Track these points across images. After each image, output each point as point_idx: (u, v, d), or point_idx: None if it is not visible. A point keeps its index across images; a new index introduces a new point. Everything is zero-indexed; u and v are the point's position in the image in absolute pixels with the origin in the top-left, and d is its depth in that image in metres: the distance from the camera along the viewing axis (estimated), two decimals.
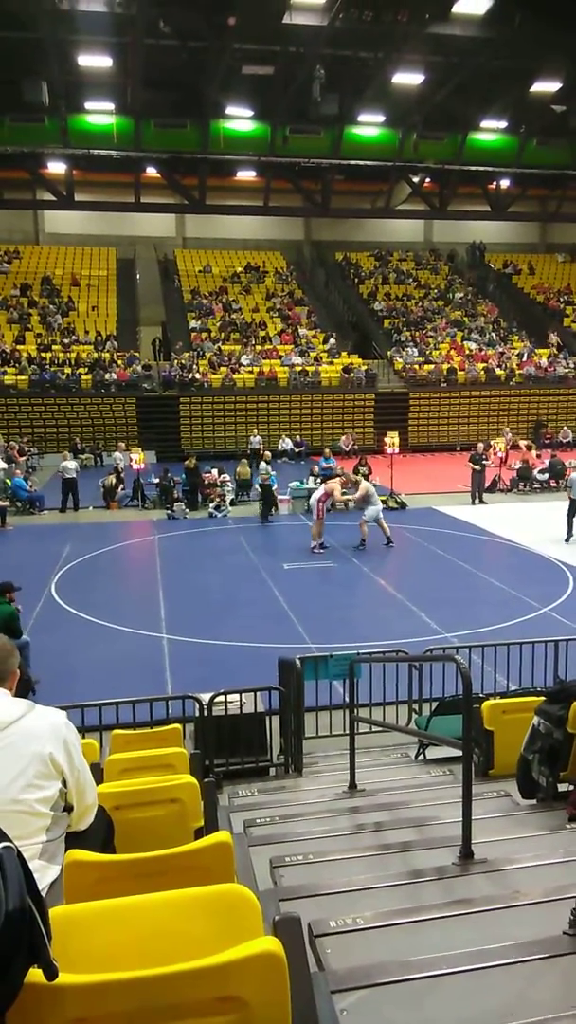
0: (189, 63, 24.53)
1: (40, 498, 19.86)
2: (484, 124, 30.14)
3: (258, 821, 4.22)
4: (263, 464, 19.06)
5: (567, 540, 15.68)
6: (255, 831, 4.03)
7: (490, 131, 30.84)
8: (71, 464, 19.78)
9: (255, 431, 26.70)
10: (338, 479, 16.25)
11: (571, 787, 3.99)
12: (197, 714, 6.52)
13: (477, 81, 26.10)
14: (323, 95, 24.75)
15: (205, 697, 6.48)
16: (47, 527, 18.11)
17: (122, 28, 22.57)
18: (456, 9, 21.77)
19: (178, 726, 5.27)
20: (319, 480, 19.46)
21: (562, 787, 4.08)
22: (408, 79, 25.86)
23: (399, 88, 26.37)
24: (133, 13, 21.23)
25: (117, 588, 13.49)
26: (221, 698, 6.54)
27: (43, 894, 2.12)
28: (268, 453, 19.53)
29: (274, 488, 18.54)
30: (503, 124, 30.53)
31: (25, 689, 7.17)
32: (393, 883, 2.96)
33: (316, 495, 15.37)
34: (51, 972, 1.48)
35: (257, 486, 18.93)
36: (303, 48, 23.75)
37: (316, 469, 21.17)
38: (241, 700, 6.77)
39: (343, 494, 15.95)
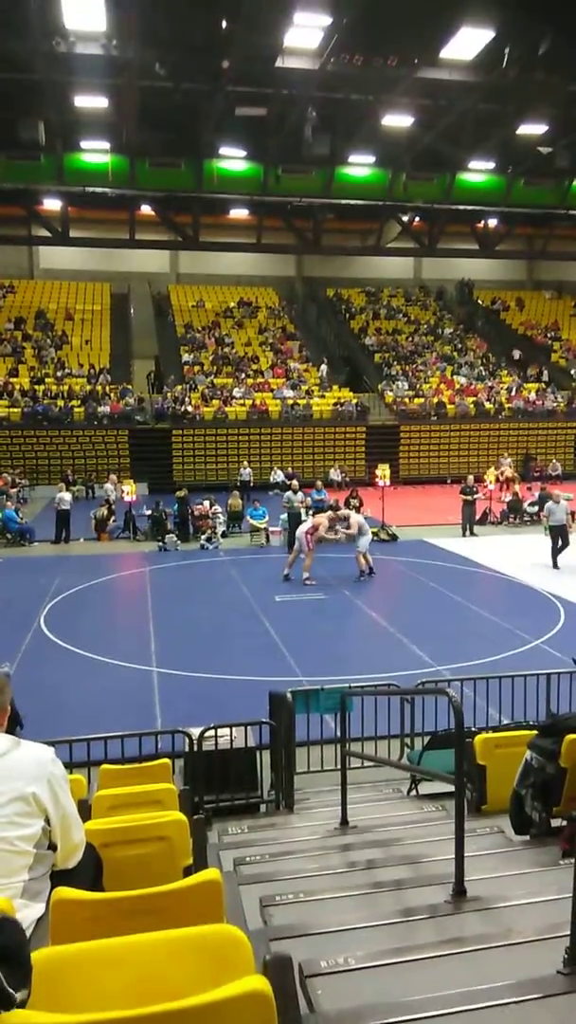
0: (183, 104, 25.06)
1: (30, 530, 19.80)
2: (472, 165, 30.82)
3: (248, 859, 4.16)
4: (288, 494, 19.13)
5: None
6: (245, 869, 3.97)
7: (478, 172, 31.53)
8: (66, 496, 19.77)
9: (245, 463, 26.80)
10: (326, 515, 16.28)
11: (564, 822, 3.95)
12: (187, 749, 6.45)
13: (465, 124, 26.74)
14: (315, 136, 25.30)
15: (195, 731, 6.42)
16: (37, 559, 18.03)
17: (118, 70, 23.07)
18: (444, 54, 22.37)
19: (167, 761, 5.20)
20: (311, 512, 19.54)
21: (555, 822, 4.04)
22: (398, 121, 26.47)
23: (389, 130, 26.99)
24: (128, 56, 21.72)
25: (107, 621, 13.41)
26: (211, 732, 6.48)
27: (27, 933, 2.09)
28: (295, 482, 19.76)
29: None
30: (491, 165, 31.23)
31: (13, 724, 7.05)
32: (385, 922, 2.92)
33: (303, 528, 15.40)
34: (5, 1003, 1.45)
35: (284, 517, 19.06)
36: (295, 90, 24.32)
37: (308, 501, 21.23)
38: (232, 735, 6.71)
39: (335, 530, 15.99)
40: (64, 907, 2.23)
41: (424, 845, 4.25)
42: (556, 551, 16.29)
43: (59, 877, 2.53)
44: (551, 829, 4.03)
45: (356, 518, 15.76)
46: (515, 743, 4.65)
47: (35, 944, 2.17)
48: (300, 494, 19.21)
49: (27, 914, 2.36)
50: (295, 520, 18.53)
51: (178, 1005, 1.46)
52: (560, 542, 16.26)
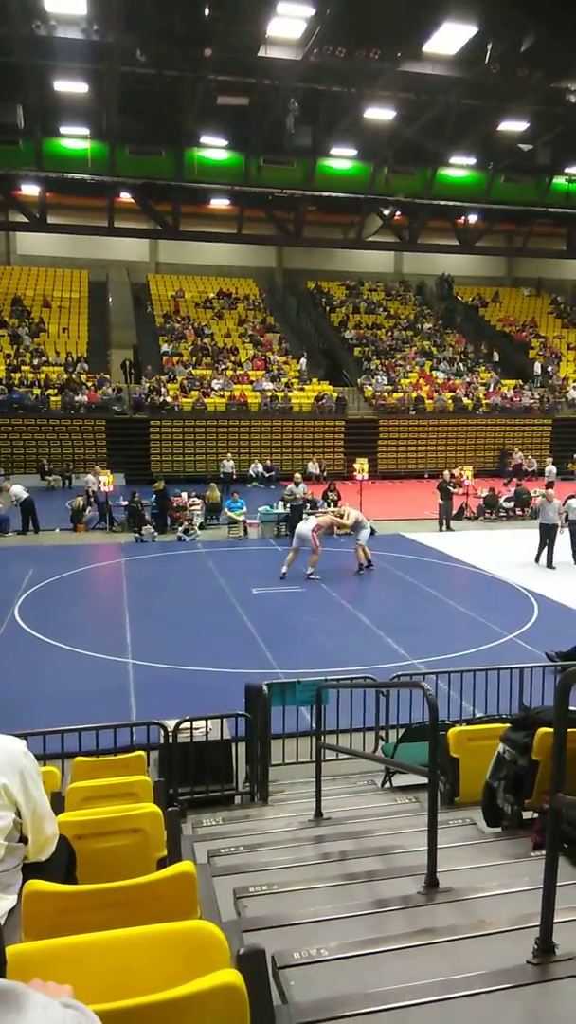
0: (165, 92, 24.83)
1: (5, 520, 19.59)
2: (453, 160, 30.89)
3: (222, 851, 4.16)
4: (291, 487, 19.29)
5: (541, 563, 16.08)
6: (219, 861, 3.97)
7: (459, 167, 31.62)
8: (17, 488, 19.57)
9: (229, 455, 26.79)
10: (328, 516, 16.35)
11: (535, 815, 4.00)
12: (162, 741, 6.43)
13: (447, 119, 26.79)
14: (297, 127, 25.19)
15: (170, 724, 6.40)
16: (11, 549, 17.86)
17: (99, 56, 22.80)
18: (427, 48, 22.37)
19: (142, 753, 5.19)
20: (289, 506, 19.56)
21: (527, 815, 4.08)
22: (380, 114, 26.44)
23: (371, 123, 26.95)
24: (110, 41, 21.46)
25: (82, 612, 13.31)
26: (186, 724, 6.46)
27: (1, 923, 2.07)
28: (298, 476, 19.88)
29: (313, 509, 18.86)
30: (472, 161, 31.32)
31: None
32: (358, 913, 2.94)
33: (308, 527, 15.11)
34: None
35: (287, 508, 19.19)
36: (278, 81, 24.19)
37: (308, 493, 21.19)
38: (207, 727, 6.70)
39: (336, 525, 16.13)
40: (36, 899, 2.21)
41: (397, 837, 4.28)
42: (541, 549, 16.11)
43: (31, 869, 2.52)
44: (523, 821, 4.08)
45: (354, 513, 15.79)
46: (488, 736, 4.69)
47: (6, 936, 2.15)
48: (302, 486, 19.24)
49: None
50: (297, 513, 18.54)
51: (150, 999, 1.45)
52: (547, 541, 15.96)
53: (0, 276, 35.49)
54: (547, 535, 16.00)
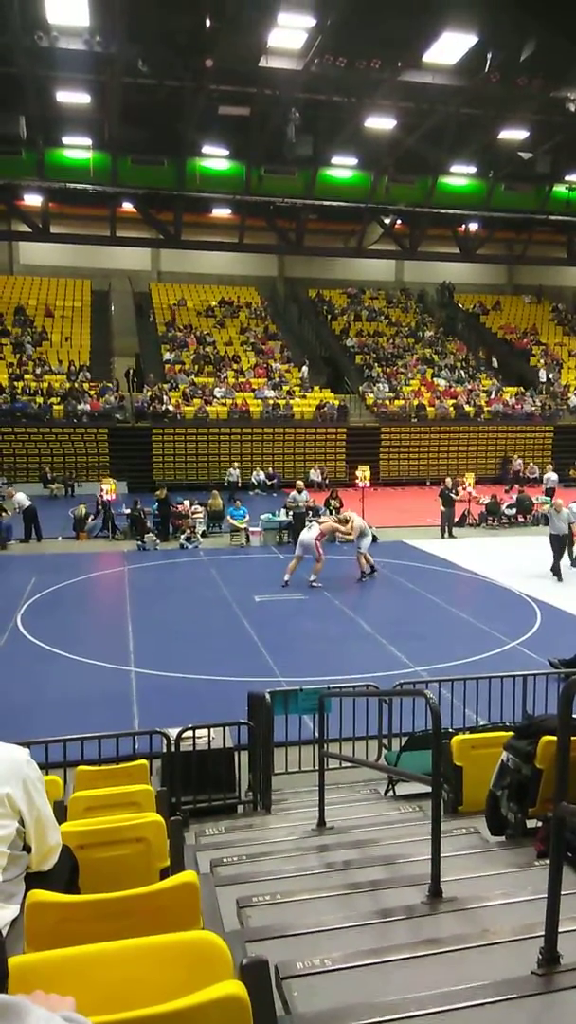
0: (166, 102, 24.99)
1: (8, 528, 19.60)
2: (454, 169, 31.04)
3: (225, 860, 4.15)
4: (294, 494, 19.46)
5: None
6: (222, 870, 3.96)
7: (459, 175, 31.77)
8: (21, 496, 19.58)
9: (236, 464, 26.84)
10: (330, 519, 16.31)
11: (539, 823, 3.98)
12: (164, 750, 6.42)
13: (447, 127, 26.91)
14: (298, 137, 25.34)
15: (173, 732, 6.39)
16: (14, 558, 17.87)
17: (101, 66, 22.97)
18: (427, 58, 22.50)
19: (145, 762, 5.18)
20: (310, 513, 19.53)
21: (531, 823, 4.06)
22: (380, 124, 26.58)
23: (371, 132, 27.09)
24: (112, 52, 21.62)
25: (85, 620, 13.31)
26: (189, 733, 6.45)
27: (2, 933, 2.07)
28: (300, 483, 20.14)
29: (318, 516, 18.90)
30: (472, 169, 31.47)
31: None
32: (361, 923, 2.92)
33: (312, 535, 15.03)
34: None
35: (290, 515, 19.27)
36: (279, 91, 24.33)
37: (311, 501, 21.19)
38: (210, 735, 6.69)
39: (338, 532, 16.07)
40: (39, 909, 2.21)
41: (401, 846, 4.26)
42: (557, 560, 15.57)
43: (34, 879, 2.51)
44: (526, 830, 4.06)
45: (358, 521, 15.69)
46: (491, 744, 4.67)
47: (9, 947, 2.15)
48: (305, 494, 19.22)
49: (1, 916, 2.34)
50: (299, 520, 18.53)
51: (153, 1011, 1.45)
52: (557, 552, 15.51)
53: (3, 285, 35.64)
54: (558, 545, 15.65)
